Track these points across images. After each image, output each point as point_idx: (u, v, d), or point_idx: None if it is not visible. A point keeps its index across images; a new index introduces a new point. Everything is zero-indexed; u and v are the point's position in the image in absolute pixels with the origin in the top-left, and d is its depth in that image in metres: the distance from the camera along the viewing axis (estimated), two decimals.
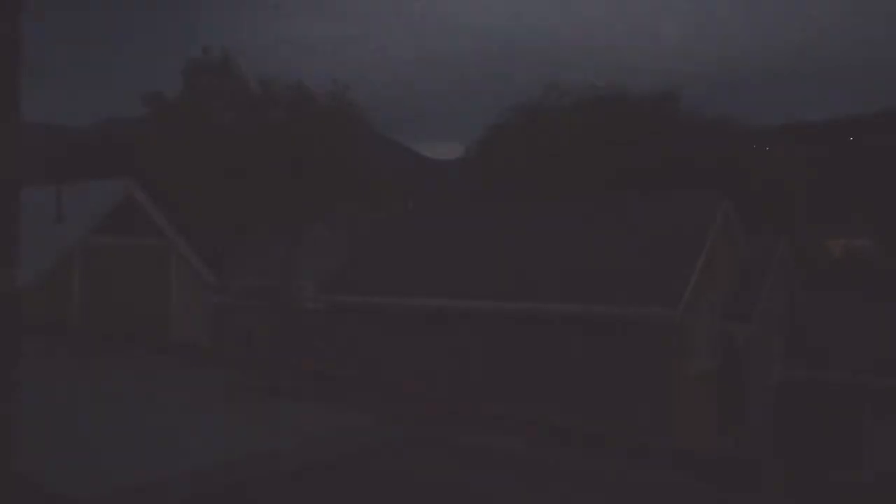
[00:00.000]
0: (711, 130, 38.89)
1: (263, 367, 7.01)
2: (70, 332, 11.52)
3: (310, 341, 27.39)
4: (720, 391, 17.09)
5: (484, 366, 16.52)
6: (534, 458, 4.75)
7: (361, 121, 58.53)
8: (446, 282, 17.83)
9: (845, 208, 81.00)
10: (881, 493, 3.78)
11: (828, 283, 49.67)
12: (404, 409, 5.51)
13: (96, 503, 3.39)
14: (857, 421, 19.22)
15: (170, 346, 9.21)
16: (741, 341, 16.98)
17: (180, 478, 3.77)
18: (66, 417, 5.16)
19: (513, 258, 17.89)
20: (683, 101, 41.61)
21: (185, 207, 48.14)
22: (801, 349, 20.88)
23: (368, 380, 6.07)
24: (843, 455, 18.62)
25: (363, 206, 39.32)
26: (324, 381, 6.32)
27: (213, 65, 53.80)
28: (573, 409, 13.72)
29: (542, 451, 4.78)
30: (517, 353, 16.22)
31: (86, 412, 5.19)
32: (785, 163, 40.35)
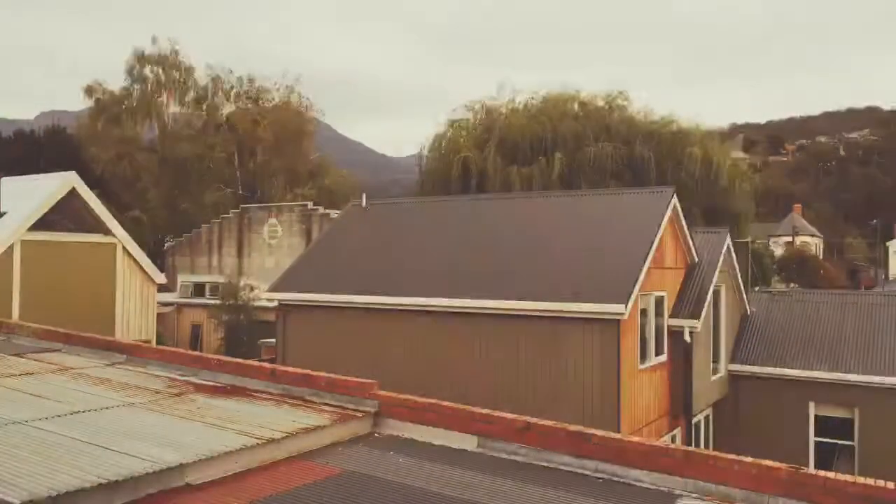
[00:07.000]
0: (660, 129, 39.63)
1: (213, 366, 6.89)
2: (9, 331, 11.16)
3: (261, 339, 27.03)
4: (669, 385, 17.42)
5: (437, 363, 16.51)
6: (487, 454, 4.76)
7: (313, 116, 57.90)
8: (401, 279, 17.77)
9: (788, 207, 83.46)
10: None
11: (772, 278, 51.05)
12: (360, 407, 5.47)
13: None
14: (803, 413, 19.81)
15: (114, 344, 8.99)
16: (689, 335, 17.33)
17: (123, 480, 3.67)
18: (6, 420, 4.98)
19: (465, 255, 17.92)
20: (634, 100, 42.35)
21: (132, 203, 47.05)
22: (747, 343, 21.40)
23: (323, 378, 6.01)
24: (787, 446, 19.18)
25: (318, 203, 39.00)
26: (277, 379, 6.24)
27: (160, 56, 52.30)
28: (525, 405, 13.83)
29: (494, 446, 4.78)
30: (470, 350, 16.25)
31: (24, 413, 5.01)
32: (732, 162, 41.34)
